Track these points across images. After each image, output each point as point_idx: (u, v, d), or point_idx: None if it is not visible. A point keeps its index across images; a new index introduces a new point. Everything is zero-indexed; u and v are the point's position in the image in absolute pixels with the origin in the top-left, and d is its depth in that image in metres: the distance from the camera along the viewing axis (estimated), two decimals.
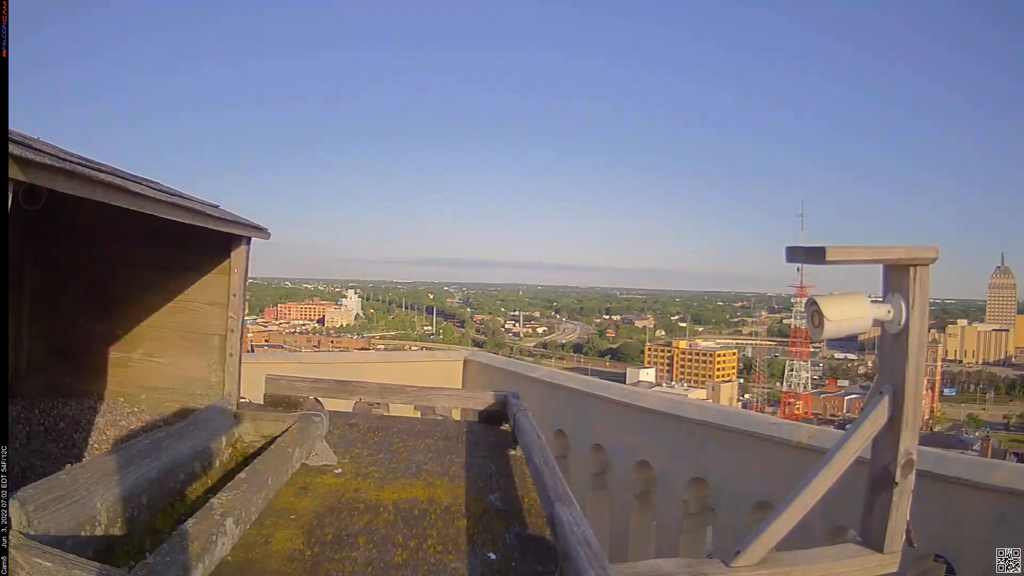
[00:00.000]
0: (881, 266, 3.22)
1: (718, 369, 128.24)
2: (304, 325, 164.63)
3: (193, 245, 4.84)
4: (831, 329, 3.00)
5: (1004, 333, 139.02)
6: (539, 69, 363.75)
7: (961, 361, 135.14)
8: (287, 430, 4.43)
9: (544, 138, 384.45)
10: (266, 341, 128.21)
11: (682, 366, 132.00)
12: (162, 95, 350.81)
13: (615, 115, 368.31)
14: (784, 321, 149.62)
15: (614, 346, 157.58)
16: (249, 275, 5.06)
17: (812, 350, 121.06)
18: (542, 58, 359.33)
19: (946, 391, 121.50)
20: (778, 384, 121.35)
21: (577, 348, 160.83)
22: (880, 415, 3.18)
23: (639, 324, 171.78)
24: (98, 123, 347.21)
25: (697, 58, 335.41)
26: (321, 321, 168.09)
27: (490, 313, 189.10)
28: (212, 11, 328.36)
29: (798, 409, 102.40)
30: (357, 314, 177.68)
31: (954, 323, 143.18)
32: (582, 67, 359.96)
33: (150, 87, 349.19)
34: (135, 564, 2.37)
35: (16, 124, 2.38)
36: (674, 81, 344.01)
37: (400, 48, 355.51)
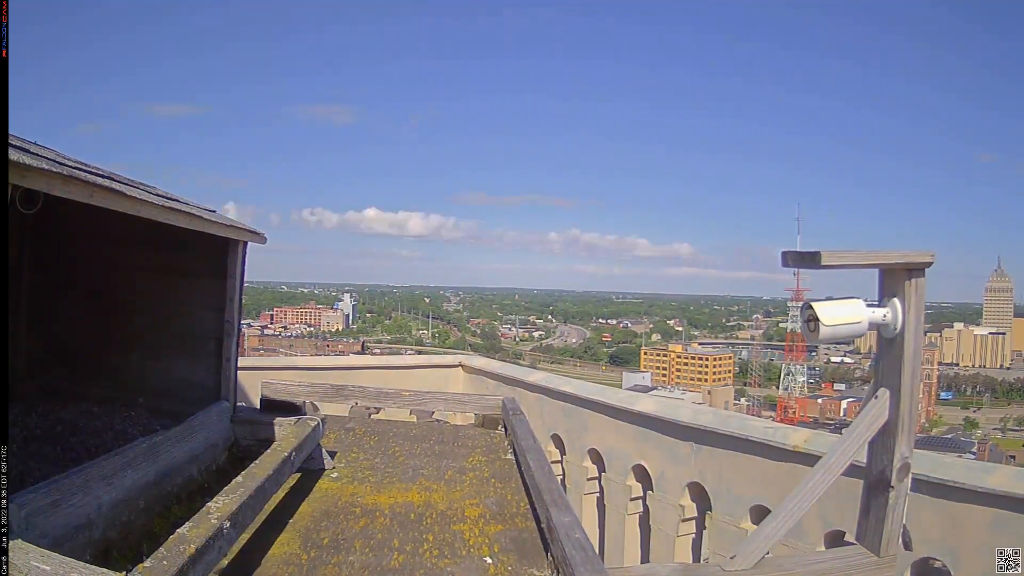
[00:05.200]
0: (877, 270, 3.22)
1: (714, 373, 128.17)
2: (300, 329, 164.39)
3: (190, 249, 4.83)
4: (826, 333, 2.99)
5: (1001, 336, 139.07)
6: (536, 72, 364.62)
7: (958, 364, 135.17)
8: (284, 434, 4.43)
9: (543, 140, 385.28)
10: (261, 345, 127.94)
11: (678, 370, 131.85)
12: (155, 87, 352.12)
13: (614, 118, 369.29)
14: (780, 325, 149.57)
15: (610, 350, 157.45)
16: (245, 279, 5.06)
17: (808, 354, 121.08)
18: (539, 61, 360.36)
19: (943, 395, 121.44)
20: (774, 388, 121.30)
21: (573, 352, 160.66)
22: (876, 419, 3.18)
23: (636, 328, 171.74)
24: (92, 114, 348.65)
25: (694, 63, 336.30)
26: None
27: (486, 317, 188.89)
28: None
29: (794, 413, 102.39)
30: (353, 318, 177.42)
31: (951, 327, 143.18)
32: (582, 71, 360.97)
33: (137, 78, 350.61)
34: (132, 567, 2.37)
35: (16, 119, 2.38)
36: (672, 85, 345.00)
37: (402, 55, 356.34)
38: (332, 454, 5.00)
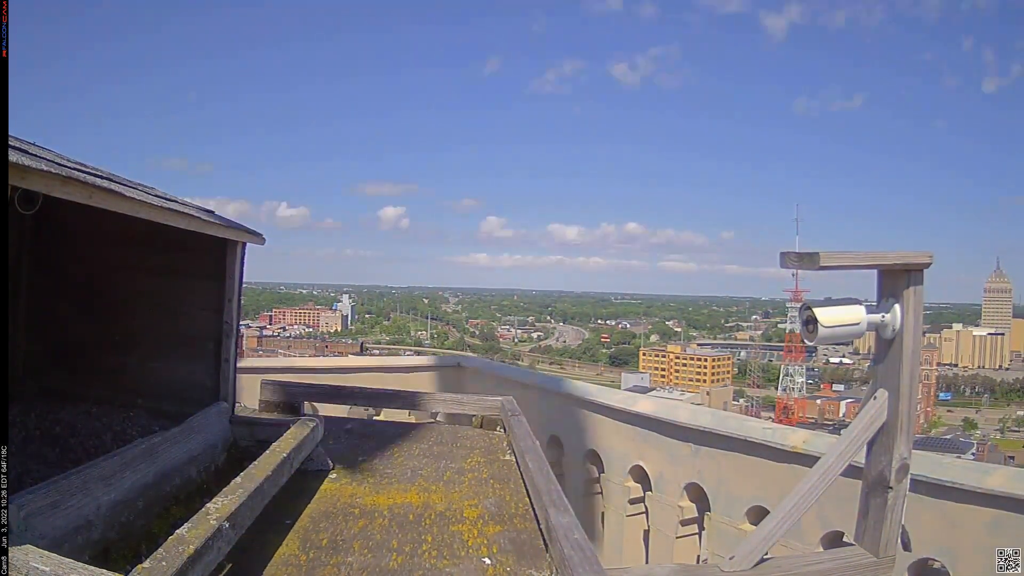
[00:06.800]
0: (876, 271, 3.23)
1: (713, 374, 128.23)
2: (299, 330, 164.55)
3: (188, 250, 4.83)
4: (825, 334, 3.01)
5: (1000, 337, 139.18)
6: (535, 73, 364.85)
7: (956, 365, 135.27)
8: (282, 435, 4.43)
9: (539, 141, 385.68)
10: (260, 346, 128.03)
11: (677, 371, 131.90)
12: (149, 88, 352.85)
13: (612, 118, 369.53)
14: (779, 326, 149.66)
15: (609, 351, 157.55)
16: (244, 280, 5.05)
17: (807, 355, 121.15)
18: (534, 62, 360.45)
19: (942, 395, 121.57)
20: (773, 389, 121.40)
21: (572, 353, 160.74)
22: (875, 420, 3.19)
23: (635, 329, 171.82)
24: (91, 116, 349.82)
25: (692, 63, 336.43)
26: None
27: (485, 318, 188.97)
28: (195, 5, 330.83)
29: (793, 414, 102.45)
30: (352, 319, 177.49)
31: (950, 328, 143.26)
32: (579, 72, 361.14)
33: (133, 81, 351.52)
34: (131, 568, 2.36)
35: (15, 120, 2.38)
36: (670, 86, 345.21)
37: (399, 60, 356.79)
38: (331, 455, 4.99)
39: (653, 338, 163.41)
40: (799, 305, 3.33)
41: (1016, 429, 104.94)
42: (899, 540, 3.30)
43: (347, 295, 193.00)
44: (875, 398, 3.21)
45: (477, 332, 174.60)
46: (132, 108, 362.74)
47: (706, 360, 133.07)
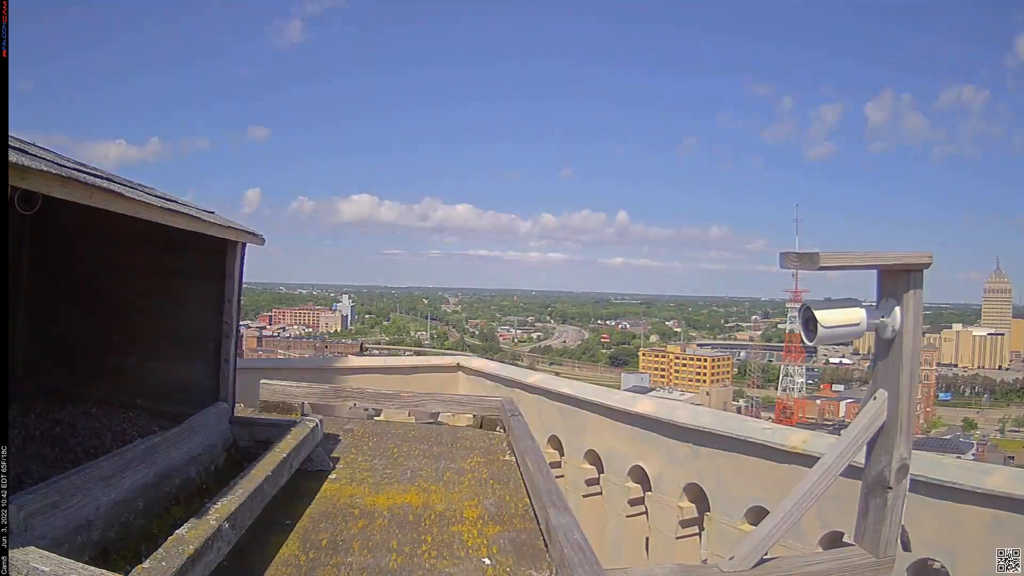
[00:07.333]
0: (875, 271, 3.23)
1: (712, 374, 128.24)
2: (299, 330, 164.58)
3: (188, 250, 4.82)
4: (824, 335, 3.00)
5: (999, 337, 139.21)
6: (531, 72, 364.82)
7: (956, 365, 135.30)
8: (282, 436, 4.43)
9: (537, 139, 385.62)
10: (259, 346, 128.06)
11: (676, 371, 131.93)
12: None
13: (610, 117, 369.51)
14: (779, 326, 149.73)
15: (609, 351, 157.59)
16: (244, 280, 5.05)
17: (807, 355, 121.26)
18: (530, 62, 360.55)
19: (941, 395, 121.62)
20: (773, 389, 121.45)
21: (572, 353, 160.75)
22: (874, 420, 3.19)
23: (634, 329, 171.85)
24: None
25: (691, 61, 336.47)
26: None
27: (485, 318, 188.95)
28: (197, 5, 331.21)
29: (793, 414, 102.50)
30: (352, 319, 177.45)
31: (949, 328, 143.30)
32: (575, 70, 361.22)
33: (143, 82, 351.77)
34: (131, 568, 2.37)
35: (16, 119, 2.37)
36: (667, 83, 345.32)
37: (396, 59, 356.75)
38: (331, 455, 5.00)
39: (653, 338, 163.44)
40: (799, 305, 3.33)
41: (1016, 429, 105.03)
42: (899, 540, 3.29)
43: (347, 295, 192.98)
44: (875, 398, 3.21)
45: (477, 332, 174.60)
46: None
47: (706, 360, 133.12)
